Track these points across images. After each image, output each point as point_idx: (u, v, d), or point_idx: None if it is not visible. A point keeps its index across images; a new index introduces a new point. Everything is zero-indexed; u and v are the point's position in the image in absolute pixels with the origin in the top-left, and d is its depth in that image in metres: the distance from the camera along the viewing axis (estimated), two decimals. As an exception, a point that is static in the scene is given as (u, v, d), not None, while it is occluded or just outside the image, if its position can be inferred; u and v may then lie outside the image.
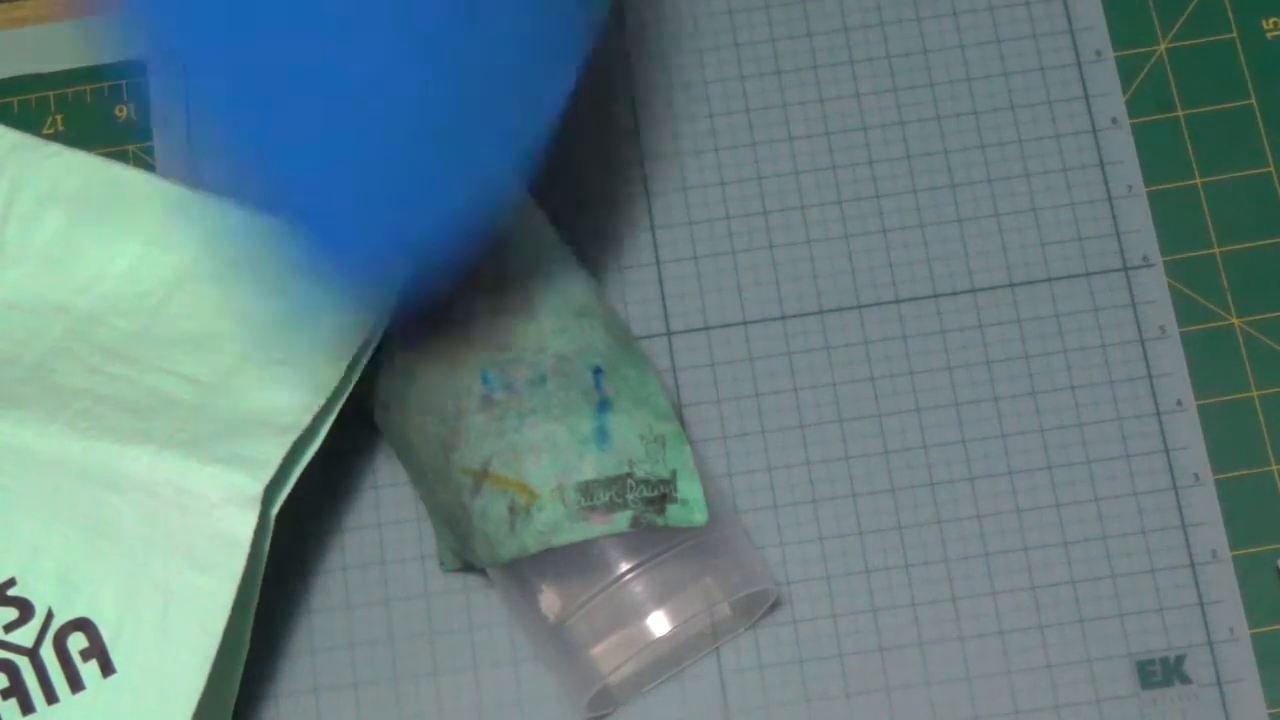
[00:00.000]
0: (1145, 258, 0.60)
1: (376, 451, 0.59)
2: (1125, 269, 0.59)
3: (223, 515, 0.49)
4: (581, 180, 0.61)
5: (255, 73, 0.43)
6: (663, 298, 0.60)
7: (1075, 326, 0.59)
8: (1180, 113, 0.61)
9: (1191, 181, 0.60)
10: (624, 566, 0.51)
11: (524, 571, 0.52)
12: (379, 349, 0.54)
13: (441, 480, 0.53)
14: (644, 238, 0.60)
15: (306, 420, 0.51)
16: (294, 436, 0.50)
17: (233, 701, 0.53)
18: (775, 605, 0.57)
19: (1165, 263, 0.60)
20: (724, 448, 0.58)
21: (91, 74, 0.63)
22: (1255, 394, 0.58)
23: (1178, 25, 0.62)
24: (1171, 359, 0.58)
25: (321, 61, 0.42)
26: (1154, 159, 0.61)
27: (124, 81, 0.63)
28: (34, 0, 0.64)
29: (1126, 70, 0.62)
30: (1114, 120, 0.61)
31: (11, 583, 0.51)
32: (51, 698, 0.50)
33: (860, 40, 0.62)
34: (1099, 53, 0.62)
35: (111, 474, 0.50)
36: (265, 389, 0.52)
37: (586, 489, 0.50)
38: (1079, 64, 0.62)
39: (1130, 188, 0.60)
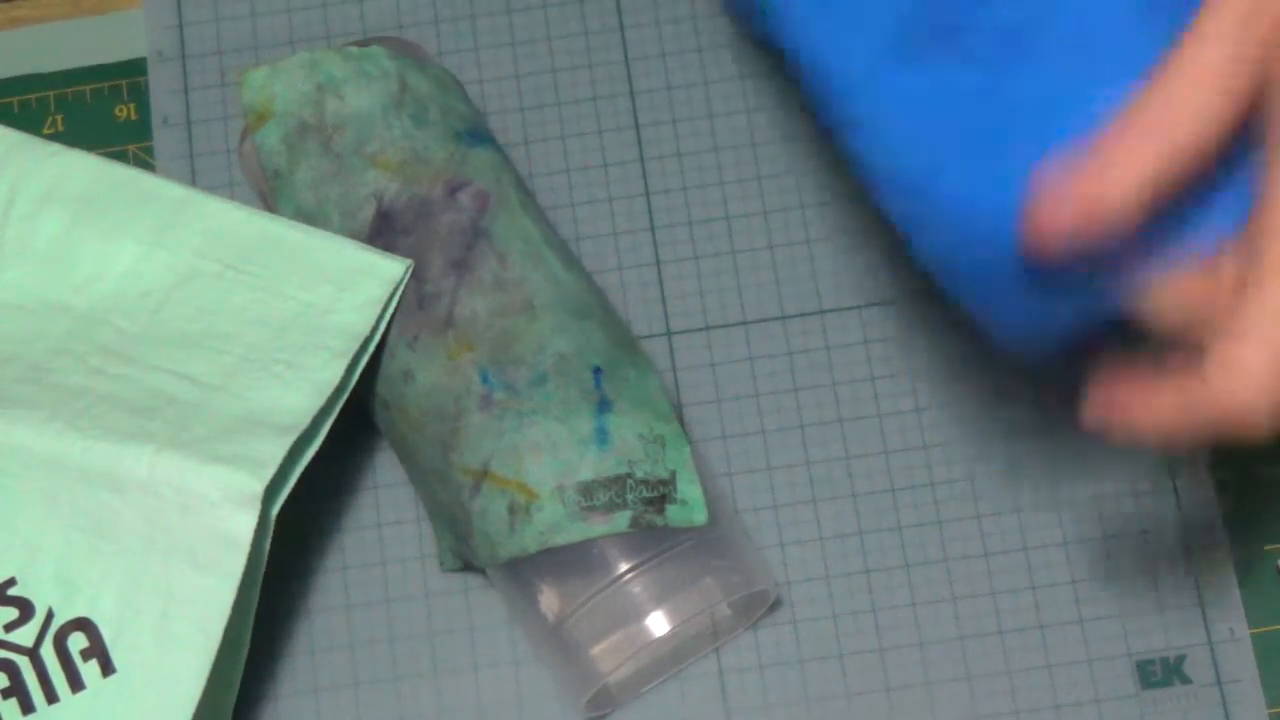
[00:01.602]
0: (1145, 258, 0.60)
1: (376, 451, 0.59)
2: (1125, 269, 0.59)
3: (223, 515, 0.49)
4: (581, 180, 0.61)
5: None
6: (663, 298, 0.60)
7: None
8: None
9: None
10: (624, 566, 0.51)
11: (524, 571, 0.52)
12: (379, 349, 0.54)
13: (441, 480, 0.53)
14: (644, 238, 0.61)
15: (306, 420, 0.51)
16: (294, 436, 0.51)
17: (233, 702, 0.53)
18: (775, 605, 0.57)
19: (1165, 263, 0.60)
20: (724, 448, 0.58)
21: (91, 74, 0.63)
22: (1255, 394, 0.58)
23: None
24: (1171, 359, 0.58)
25: None
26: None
27: (124, 81, 0.63)
28: (34, 0, 0.64)
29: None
30: (1114, 120, 0.61)
31: (11, 582, 0.51)
32: (52, 697, 0.51)
33: (860, 40, 0.62)
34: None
35: (112, 474, 0.50)
36: (265, 389, 0.52)
37: (586, 489, 0.50)
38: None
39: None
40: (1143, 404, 0.42)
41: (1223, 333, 0.40)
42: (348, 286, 0.53)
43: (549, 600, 0.52)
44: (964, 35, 0.45)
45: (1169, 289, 0.42)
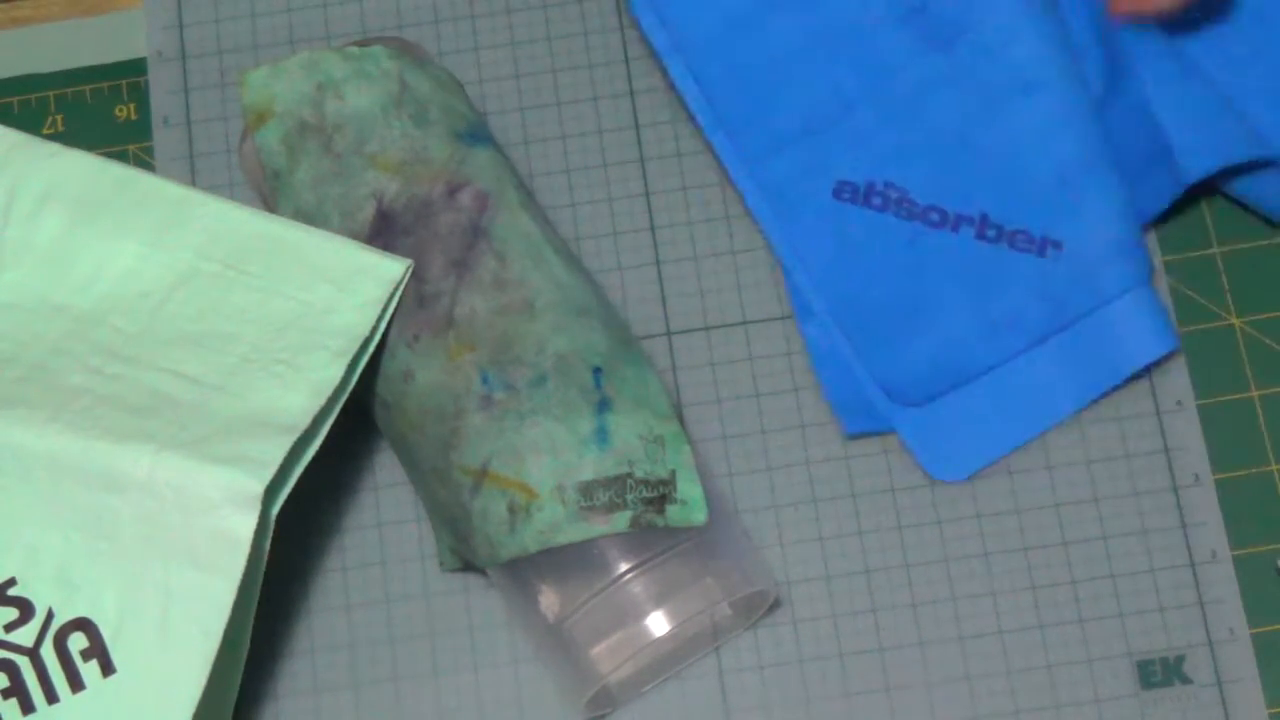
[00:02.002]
0: (1145, 258, 0.60)
1: (376, 451, 0.59)
2: (1125, 269, 0.59)
3: (223, 515, 0.49)
4: (581, 180, 0.61)
5: None
6: (663, 298, 0.60)
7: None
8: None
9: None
10: (624, 566, 0.51)
11: (524, 571, 0.52)
12: (379, 349, 0.54)
13: (441, 480, 0.53)
14: (644, 238, 0.60)
15: (306, 420, 0.51)
16: (294, 436, 0.50)
17: (233, 701, 0.53)
18: (775, 605, 0.57)
19: (1165, 263, 0.60)
20: (724, 448, 0.58)
21: (91, 74, 0.63)
22: (1255, 394, 0.58)
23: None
24: (1171, 359, 0.58)
25: None
26: (1154, 159, 0.61)
27: (124, 81, 0.63)
28: (34, 0, 0.64)
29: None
30: (1114, 120, 0.61)
31: (12, 583, 0.51)
32: (52, 697, 0.50)
33: (860, 40, 0.62)
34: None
35: (112, 474, 0.50)
36: (265, 389, 0.52)
37: (586, 489, 0.50)
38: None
39: (1130, 188, 0.60)
40: None
41: None
42: (348, 287, 0.53)
43: (549, 600, 0.52)
44: (884, 196, 0.58)
45: None
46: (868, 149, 0.58)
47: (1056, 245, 0.57)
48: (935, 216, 0.57)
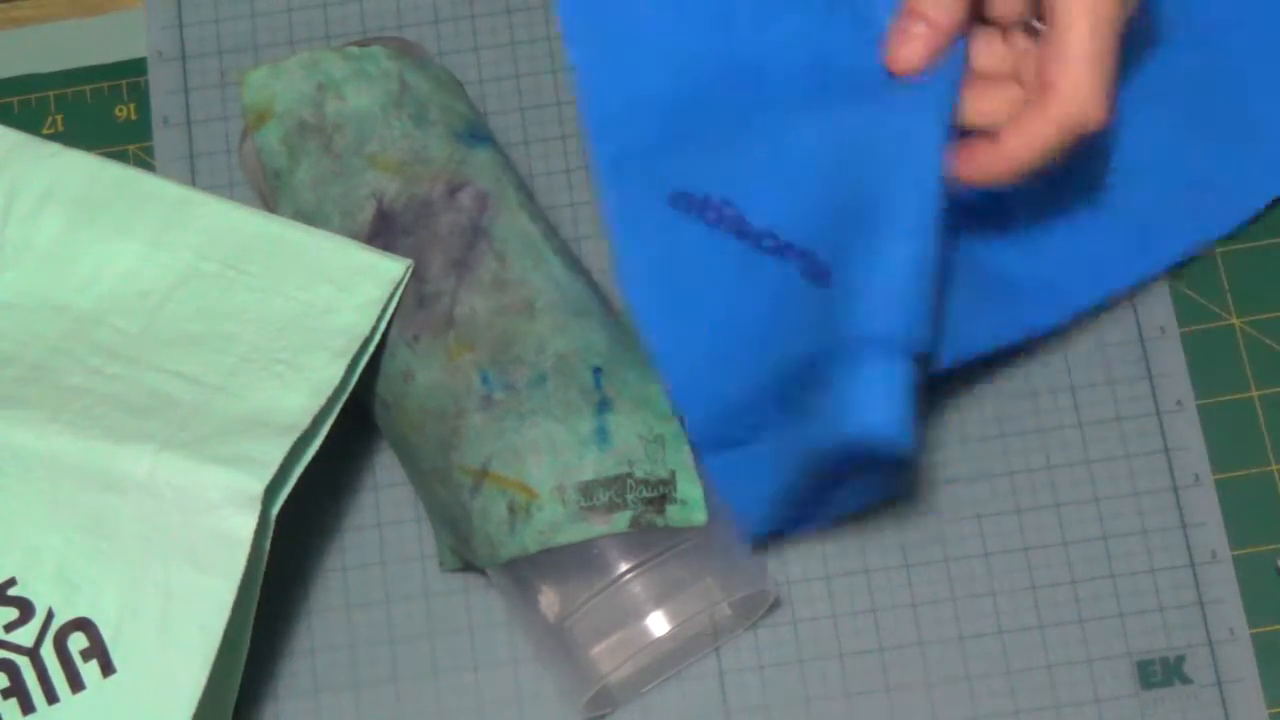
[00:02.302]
0: (1145, 258, 0.59)
1: (376, 451, 0.59)
2: (1125, 269, 0.59)
3: (223, 515, 0.49)
4: (581, 180, 0.61)
5: None
6: (663, 298, 0.60)
7: (1075, 326, 0.59)
8: (1180, 113, 0.61)
9: (1191, 181, 0.60)
10: (624, 566, 0.51)
11: (524, 571, 0.52)
12: (379, 349, 0.54)
13: (441, 480, 0.53)
14: (644, 238, 0.60)
15: (306, 420, 0.51)
16: (294, 436, 0.50)
17: (233, 701, 0.53)
18: (775, 605, 0.57)
19: (1165, 263, 0.60)
20: (724, 448, 0.58)
21: (91, 74, 0.63)
22: (1255, 394, 0.58)
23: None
24: (1171, 359, 0.58)
25: None
26: (1154, 159, 0.61)
27: (124, 81, 0.63)
28: (34, 0, 0.64)
29: (1126, 70, 0.62)
30: (1114, 120, 0.61)
31: (12, 583, 0.51)
32: (52, 697, 0.50)
33: (860, 40, 0.62)
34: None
35: (112, 474, 0.50)
36: (265, 389, 0.52)
37: (586, 489, 0.50)
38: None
39: (1130, 188, 0.60)
40: (1004, 142, 0.50)
41: (1042, 68, 0.49)
42: (348, 287, 0.53)
43: (549, 600, 0.52)
44: (719, 212, 0.52)
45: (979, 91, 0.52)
46: (715, 156, 0.52)
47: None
48: (768, 242, 0.51)
